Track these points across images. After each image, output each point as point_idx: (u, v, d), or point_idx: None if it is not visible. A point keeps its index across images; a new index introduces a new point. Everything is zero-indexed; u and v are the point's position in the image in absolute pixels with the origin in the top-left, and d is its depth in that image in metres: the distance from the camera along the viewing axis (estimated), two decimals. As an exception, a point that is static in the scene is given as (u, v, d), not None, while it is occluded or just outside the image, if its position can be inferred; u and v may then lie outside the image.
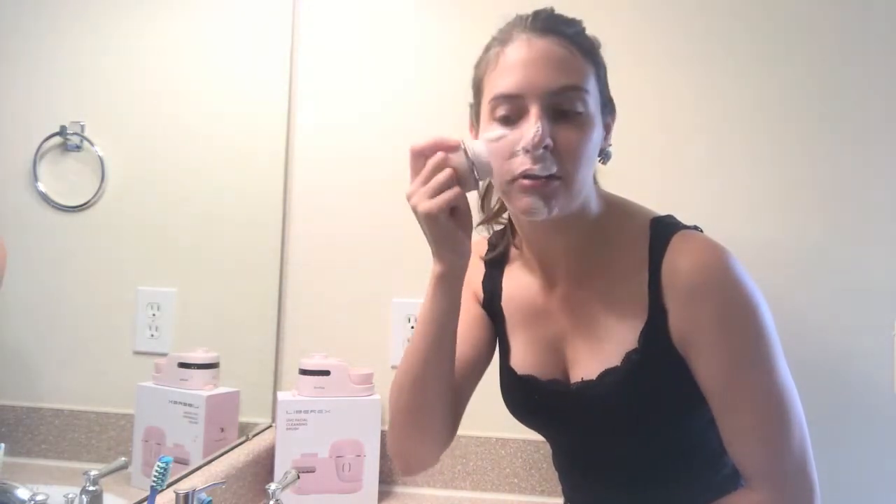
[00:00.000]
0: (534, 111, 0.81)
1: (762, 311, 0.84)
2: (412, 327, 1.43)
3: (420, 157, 0.83)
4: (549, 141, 0.81)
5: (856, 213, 1.35)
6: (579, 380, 0.91)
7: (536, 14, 0.87)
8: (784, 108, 1.37)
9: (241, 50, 1.42)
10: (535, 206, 0.82)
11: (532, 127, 0.80)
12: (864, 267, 1.34)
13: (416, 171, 0.83)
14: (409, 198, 0.83)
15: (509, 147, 0.82)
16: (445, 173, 0.81)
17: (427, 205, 0.80)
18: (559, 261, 0.94)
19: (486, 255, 1.05)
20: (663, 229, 0.89)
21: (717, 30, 1.40)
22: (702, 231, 0.91)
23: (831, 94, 1.36)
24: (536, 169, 0.81)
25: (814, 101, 1.37)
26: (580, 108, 0.83)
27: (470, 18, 1.44)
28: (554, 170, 0.81)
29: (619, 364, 0.88)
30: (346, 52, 1.49)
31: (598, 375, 0.89)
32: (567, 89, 0.82)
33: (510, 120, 0.83)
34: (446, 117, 1.42)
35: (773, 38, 1.38)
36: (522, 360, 0.98)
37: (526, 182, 0.82)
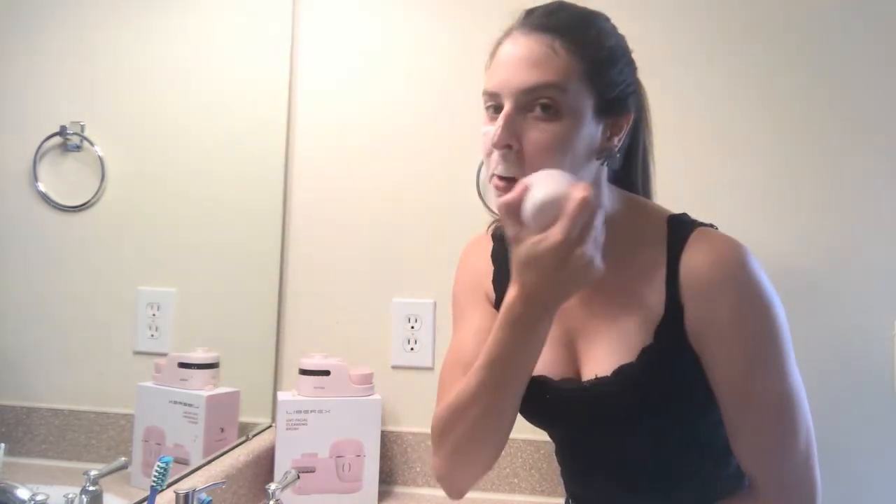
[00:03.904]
0: (505, 110, 0.82)
1: (777, 310, 0.84)
2: (412, 327, 1.42)
3: (591, 210, 0.75)
4: (510, 141, 0.81)
5: (856, 214, 1.34)
6: (593, 377, 0.90)
7: (531, 11, 0.86)
8: (785, 107, 1.37)
9: (241, 50, 1.41)
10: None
11: (496, 126, 0.81)
12: (864, 267, 1.34)
13: (588, 224, 0.75)
14: (582, 253, 0.75)
15: (488, 143, 0.83)
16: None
17: (599, 261, 0.76)
18: None
19: (492, 250, 1.03)
20: (681, 226, 0.89)
21: (720, 30, 1.39)
22: (717, 228, 0.91)
23: (833, 94, 1.36)
24: (500, 170, 0.82)
25: (815, 101, 1.37)
26: (554, 107, 0.81)
27: (470, 16, 1.44)
28: (515, 172, 0.81)
29: (634, 360, 0.87)
30: (347, 50, 1.49)
31: (613, 371, 0.88)
32: (540, 87, 0.81)
33: (496, 114, 0.84)
34: (448, 114, 1.44)
35: (777, 39, 1.38)
36: None
37: (496, 182, 0.82)
